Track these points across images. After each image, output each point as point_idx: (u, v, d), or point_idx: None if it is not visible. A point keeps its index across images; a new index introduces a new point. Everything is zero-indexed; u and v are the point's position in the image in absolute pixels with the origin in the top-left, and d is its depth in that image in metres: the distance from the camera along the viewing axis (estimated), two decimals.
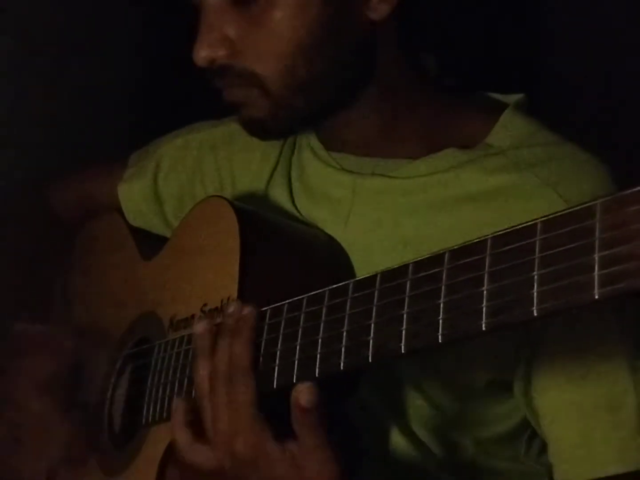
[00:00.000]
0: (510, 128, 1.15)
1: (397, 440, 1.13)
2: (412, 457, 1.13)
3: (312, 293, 0.93)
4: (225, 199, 1.14)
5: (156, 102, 1.86)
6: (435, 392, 1.11)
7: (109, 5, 1.78)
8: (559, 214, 0.70)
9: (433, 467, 1.14)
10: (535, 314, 0.70)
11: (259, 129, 1.18)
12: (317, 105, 1.16)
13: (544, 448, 1.13)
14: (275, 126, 1.17)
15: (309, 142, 1.26)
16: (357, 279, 0.88)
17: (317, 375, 0.90)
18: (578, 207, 0.69)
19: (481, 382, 1.11)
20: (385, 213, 1.15)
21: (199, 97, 1.79)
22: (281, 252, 1.12)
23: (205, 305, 1.11)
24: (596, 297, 0.66)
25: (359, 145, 1.20)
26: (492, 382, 1.11)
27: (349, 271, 1.14)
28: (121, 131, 1.78)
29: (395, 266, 0.84)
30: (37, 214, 1.48)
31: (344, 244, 1.16)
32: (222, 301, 1.08)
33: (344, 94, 1.17)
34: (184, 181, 1.39)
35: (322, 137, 1.24)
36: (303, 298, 0.94)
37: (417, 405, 1.12)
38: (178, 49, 1.87)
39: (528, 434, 1.15)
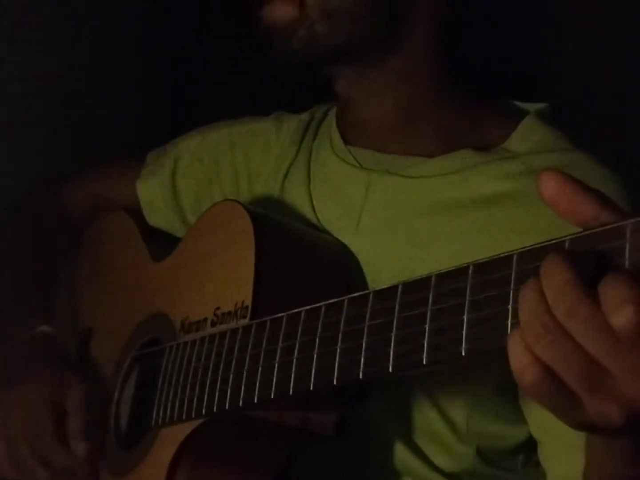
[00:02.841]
0: (528, 134, 1.16)
1: (401, 450, 1.14)
2: (415, 467, 1.14)
3: (331, 301, 0.93)
4: (240, 203, 1.14)
5: (161, 101, 1.86)
6: (445, 401, 1.12)
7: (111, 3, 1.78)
8: (587, 232, 0.70)
9: (435, 477, 1.15)
10: None
11: (272, 40, 1.18)
12: (336, 41, 1.16)
13: None
14: (288, 45, 1.17)
15: (329, 135, 1.27)
16: (378, 289, 0.88)
17: (335, 383, 0.90)
18: (607, 227, 0.69)
19: (489, 387, 1.12)
20: (396, 212, 1.16)
21: (201, 97, 1.80)
22: (295, 258, 1.13)
23: (218, 308, 1.11)
24: None
25: (377, 139, 1.21)
26: (500, 387, 1.12)
27: (361, 278, 1.15)
28: (127, 130, 1.78)
29: (417, 278, 0.84)
30: (47, 213, 1.48)
31: (355, 242, 1.17)
32: (235, 305, 1.08)
33: (365, 46, 1.17)
34: (201, 179, 1.39)
35: (343, 129, 1.25)
36: (321, 306, 0.94)
37: (424, 415, 1.12)
38: (181, 46, 1.89)
39: (529, 447, 1.15)
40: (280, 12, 1.17)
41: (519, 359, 0.70)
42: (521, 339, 0.70)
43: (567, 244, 0.71)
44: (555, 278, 0.68)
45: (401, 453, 1.14)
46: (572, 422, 0.72)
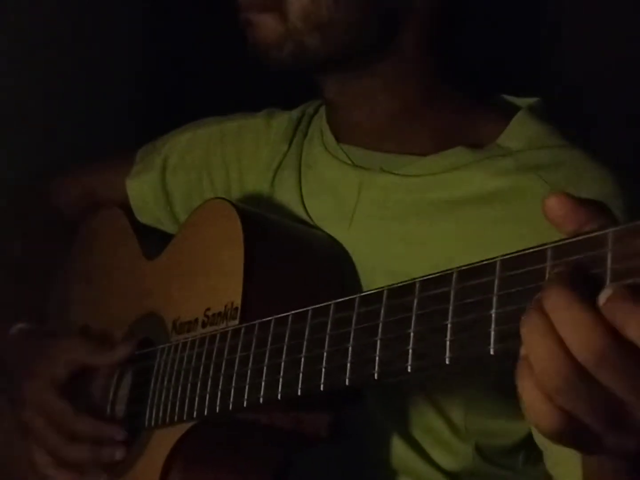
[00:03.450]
0: (521, 130, 1.14)
1: (399, 448, 1.13)
2: (414, 465, 1.13)
3: (318, 306, 0.92)
4: (229, 202, 1.13)
5: (157, 99, 1.85)
6: (443, 399, 1.11)
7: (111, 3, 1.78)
8: (569, 240, 0.69)
9: (434, 475, 1.14)
10: None
11: (261, 55, 1.17)
12: (327, 52, 1.15)
13: (542, 457, 1.12)
14: (277, 57, 1.16)
15: (321, 132, 1.25)
16: (363, 293, 0.87)
17: (321, 389, 0.90)
18: (588, 235, 0.67)
19: (486, 384, 1.11)
20: (390, 211, 1.15)
21: (200, 96, 1.79)
22: (285, 257, 1.12)
23: (208, 309, 1.10)
24: None
25: (370, 137, 1.20)
26: (498, 384, 1.11)
27: (353, 277, 1.14)
28: (122, 128, 1.78)
29: (402, 283, 0.83)
30: (39, 210, 1.47)
31: (348, 241, 1.16)
32: (225, 306, 1.07)
33: (356, 54, 1.16)
34: (192, 176, 1.39)
35: (334, 127, 1.24)
36: (308, 310, 0.93)
37: (422, 413, 1.12)
38: (180, 45, 1.88)
39: (529, 444, 1.14)
40: (264, 31, 1.15)
41: (535, 406, 0.67)
42: (535, 385, 0.66)
43: (548, 252, 0.70)
44: (576, 322, 0.64)
45: (400, 452, 1.13)
46: (584, 451, 0.70)
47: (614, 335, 0.63)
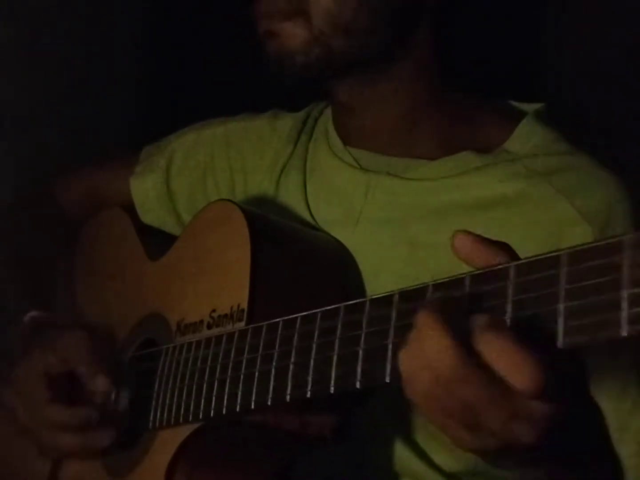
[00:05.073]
0: (528, 136, 1.15)
1: (402, 450, 1.13)
2: (416, 467, 1.13)
3: (327, 308, 0.92)
4: (235, 203, 1.13)
5: (158, 99, 1.85)
6: None
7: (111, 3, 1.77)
8: (585, 246, 0.69)
9: (436, 477, 1.14)
10: (560, 347, 0.70)
11: (285, 63, 1.16)
12: (353, 53, 1.15)
13: None
14: (304, 63, 1.14)
15: (326, 135, 1.25)
16: (374, 296, 0.87)
17: (332, 391, 0.90)
18: (604, 242, 0.68)
19: None
20: (396, 214, 1.15)
21: (202, 96, 1.79)
22: (291, 259, 1.12)
23: (214, 311, 1.10)
24: (624, 334, 0.66)
25: (377, 141, 1.20)
26: None
27: (358, 279, 1.14)
28: (123, 127, 1.77)
29: (414, 286, 0.83)
30: (42, 210, 1.47)
31: (354, 244, 1.17)
32: (231, 308, 1.07)
33: (377, 55, 1.16)
34: (196, 177, 1.38)
35: (341, 130, 1.24)
36: (317, 312, 0.93)
37: None
38: (181, 45, 1.88)
39: None
40: (290, 39, 1.14)
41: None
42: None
43: (564, 258, 0.70)
44: (431, 343, 0.73)
45: (402, 453, 1.13)
46: (459, 446, 0.80)
47: (465, 352, 0.73)
